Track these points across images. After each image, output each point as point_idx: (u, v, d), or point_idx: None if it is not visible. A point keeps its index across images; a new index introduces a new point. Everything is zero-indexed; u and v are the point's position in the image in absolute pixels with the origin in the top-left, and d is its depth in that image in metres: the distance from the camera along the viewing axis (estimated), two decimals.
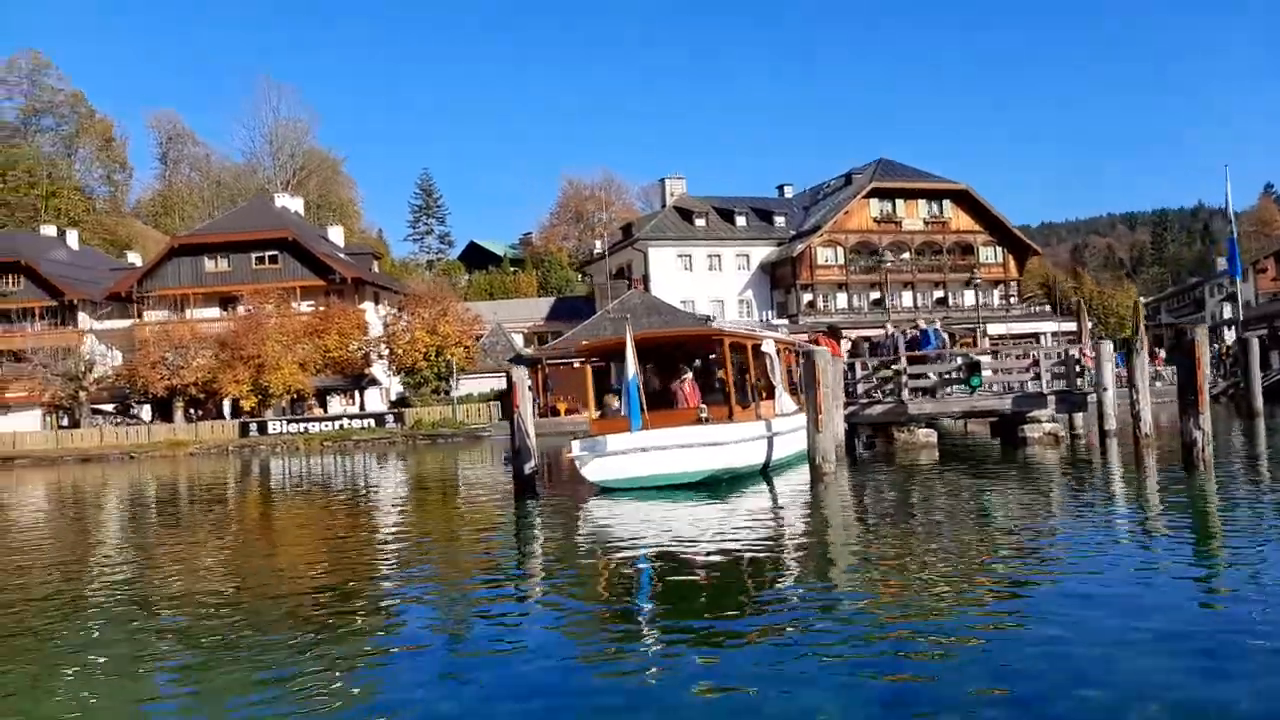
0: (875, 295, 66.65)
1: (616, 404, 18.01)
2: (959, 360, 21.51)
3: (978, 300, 67.66)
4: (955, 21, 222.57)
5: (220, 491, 26.10)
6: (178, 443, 48.01)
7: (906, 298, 67.00)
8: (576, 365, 51.12)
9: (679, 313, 54.02)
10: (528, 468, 18.42)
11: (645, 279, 64.16)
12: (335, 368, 55.97)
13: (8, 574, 13.19)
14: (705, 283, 66.12)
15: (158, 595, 10.35)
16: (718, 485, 16.14)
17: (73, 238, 72.34)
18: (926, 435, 21.50)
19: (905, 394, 21.18)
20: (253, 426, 49.41)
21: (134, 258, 72.75)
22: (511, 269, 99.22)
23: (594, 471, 16.25)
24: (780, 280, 66.66)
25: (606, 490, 16.40)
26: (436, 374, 53.68)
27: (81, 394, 53.54)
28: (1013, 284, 69.46)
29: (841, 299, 65.50)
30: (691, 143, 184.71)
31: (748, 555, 9.94)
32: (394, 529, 14.75)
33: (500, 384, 57.30)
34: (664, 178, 72.93)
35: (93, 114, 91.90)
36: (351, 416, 51.26)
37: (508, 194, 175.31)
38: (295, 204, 70.94)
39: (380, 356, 56.33)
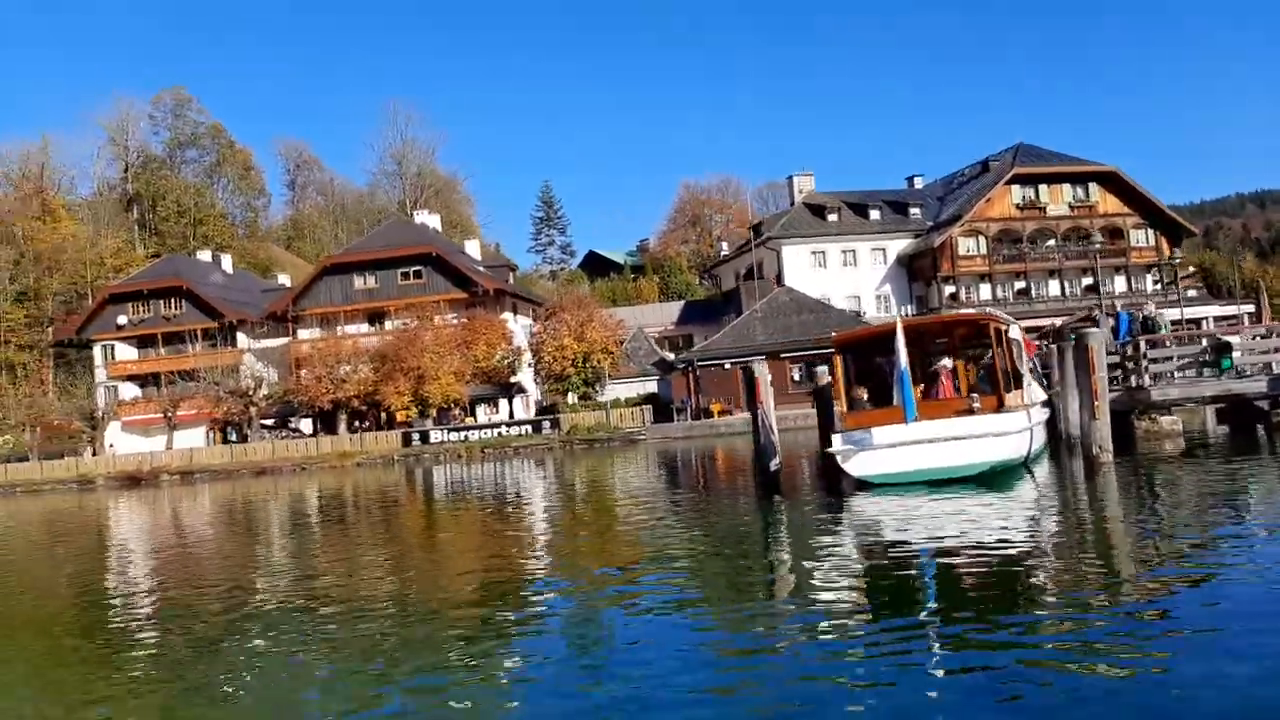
0: (1020, 285, 64.65)
1: (865, 396, 17.71)
2: (1205, 342, 20.63)
3: (1129, 286, 64.95)
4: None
5: (426, 499, 26.74)
6: (345, 454, 49.68)
7: (1053, 286, 64.77)
8: (728, 366, 50.98)
9: (829, 309, 53.32)
10: (772, 464, 18.25)
11: (779, 277, 63.63)
12: (483, 377, 57.14)
13: (199, 574, 14.16)
14: (840, 279, 65.20)
15: (386, 594, 10.70)
16: (986, 479, 15.61)
17: (226, 262, 75.82)
18: (1172, 423, 20.56)
19: (1147, 379, 20.27)
20: (415, 436, 50.80)
21: (283, 279, 75.82)
22: (631, 275, 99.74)
23: (859, 466, 15.87)
24: (919, 273, 65.25)
25: (863, 486, 16.00)
26: (584, 380, 54.30)
27: (252, 409, 55.94)
28: (1167, 268, 66.26)
29: (985, 290, 63.67)
30: (807, 142, 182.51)
31: (1054, 556, 9.47)
32: (642, 533, 14.43)
33: (646, 388, 57.66)
34: (792, 175, 72.20)
35: (232, 144, 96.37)
36: (509, 424, 52.17)
37: (622, 201, 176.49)
38: (433, 221, 72.80)
39: (529, 365, 57.28)
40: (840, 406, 17.68)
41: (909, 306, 64.88)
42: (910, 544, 10.80)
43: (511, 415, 57.35)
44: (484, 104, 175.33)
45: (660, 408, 52.83)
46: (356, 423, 56.23)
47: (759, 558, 11.63)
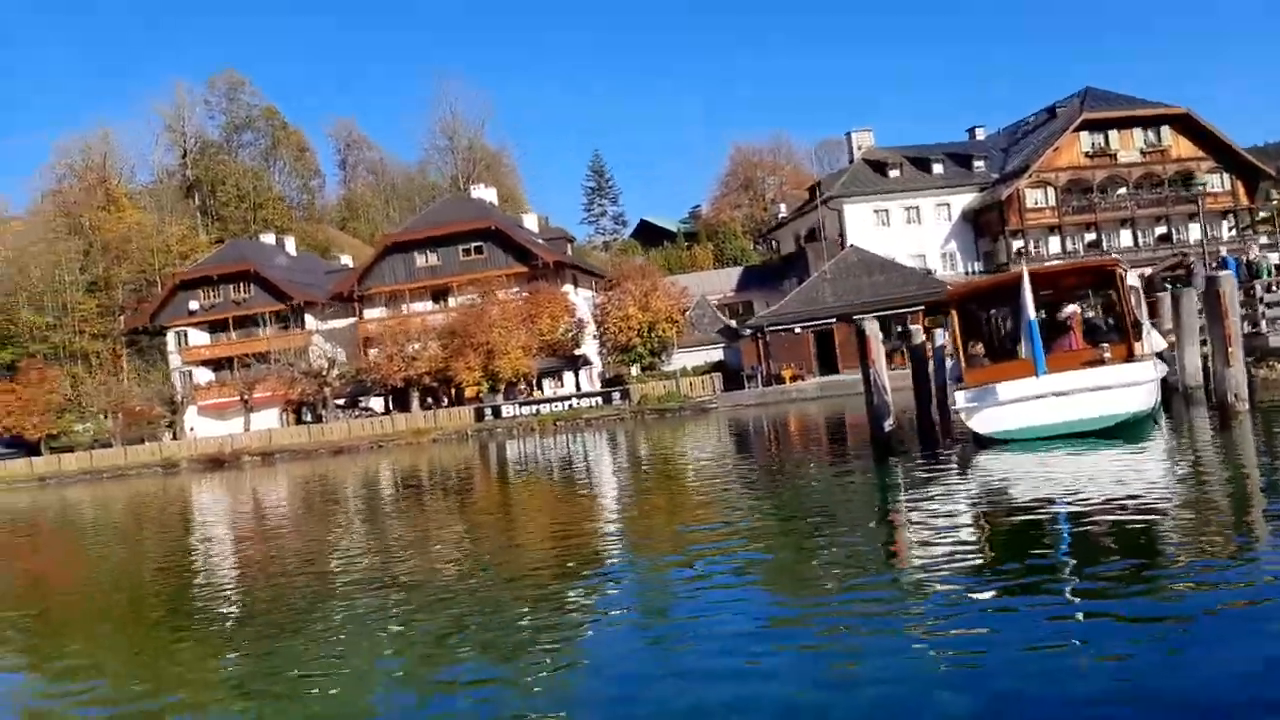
0: (1090, 236, 62.98)
1: (982, 351, 17.32)
2: None
3: (1205, 232, 62.92)
4: None
5: (501, 473, 26.82)
6: (420, 431, 50.27)
7: (1125, 236, 63.05)
8: (798, 330, 50.55)
9: (900, 268, 52.48)
10: (886, 425, 17.96)
11: (841, 238, 62.74)
12: (548, 350, 57.31)
13: (286, 552, 14.56)
14: (904, 237, 63.97)
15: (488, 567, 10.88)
16: (1118, 432, 15.14)
17: (290, 244, 76.75)
18: None
19: (1264, 325, 19.65)
20: (487, 411, 51.19)
21: (344, 260, 76.57)
22: (685, 243, 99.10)
23: (984, 423, 15.54)
24: (986, 228, 63.89)
25: (986, 443, 15.64)
26: (650, 349, 54.20)
27: (326, 390, 56.77)
28: (1244, 213, 64.19)
29: (1055, 243, 62.13)
30: (859, 96, 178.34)
31: (1223, 512, 9.10)
32: (752, 499, 14.33)
33: (711, 356, 57.40)
34: (850, 131, 70.79)
35: (286, 126, 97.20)
36: (579, 395, 52.31)
37: (672, 168, 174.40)
38: (489, 195, 72.89)
39: (594, 337, 57.29)
40: (960, 363, 17.24)
41: (976, 263, 63.66)
42: (1066, 504, 10.48)
43: (578, 387, 57.52)
44: (522, 75, 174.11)
45: (728, 375, 52.50)
46: (429, 399, 56.81)
47: (893, 519, 11.40)
